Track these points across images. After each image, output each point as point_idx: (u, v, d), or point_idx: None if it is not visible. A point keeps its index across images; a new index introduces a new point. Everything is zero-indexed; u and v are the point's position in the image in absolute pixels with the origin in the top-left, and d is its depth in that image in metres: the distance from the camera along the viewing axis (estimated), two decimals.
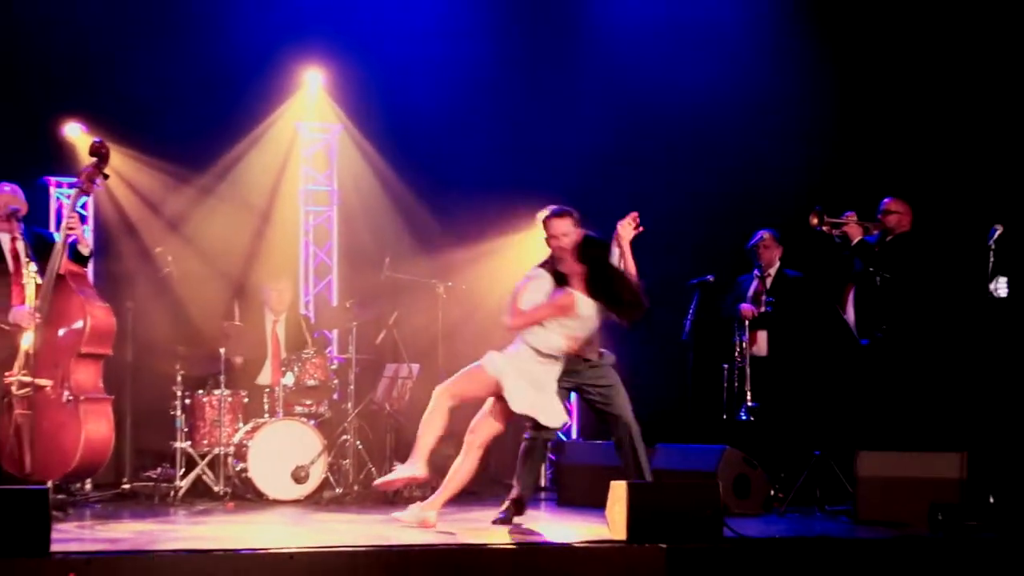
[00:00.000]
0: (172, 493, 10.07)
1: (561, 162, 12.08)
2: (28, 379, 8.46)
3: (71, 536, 7.59)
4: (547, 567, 6.88)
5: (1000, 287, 8.82)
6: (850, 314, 9.97)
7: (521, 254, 12.12)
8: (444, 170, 12.15)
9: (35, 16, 11.11)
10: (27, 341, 8.54)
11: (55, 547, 6.48)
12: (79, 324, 8.84)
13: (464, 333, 11.76)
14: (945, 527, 8.14)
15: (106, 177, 9.10)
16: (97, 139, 9.10)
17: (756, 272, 10.54)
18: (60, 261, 8.72)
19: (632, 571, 6.92)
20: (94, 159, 8.89)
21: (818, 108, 11.86)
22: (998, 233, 8.85)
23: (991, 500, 8.70)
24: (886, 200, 9.91)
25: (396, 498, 10.19)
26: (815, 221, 9.74)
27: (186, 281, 11.08)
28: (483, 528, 8.28)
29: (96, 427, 8.85)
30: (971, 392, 9.48)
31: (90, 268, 10.66)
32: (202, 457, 10.27)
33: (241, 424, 10.36)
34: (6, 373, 8.70)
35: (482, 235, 12.07)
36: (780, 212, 10.95)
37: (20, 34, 11.09)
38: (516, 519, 8.45)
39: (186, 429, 10.34)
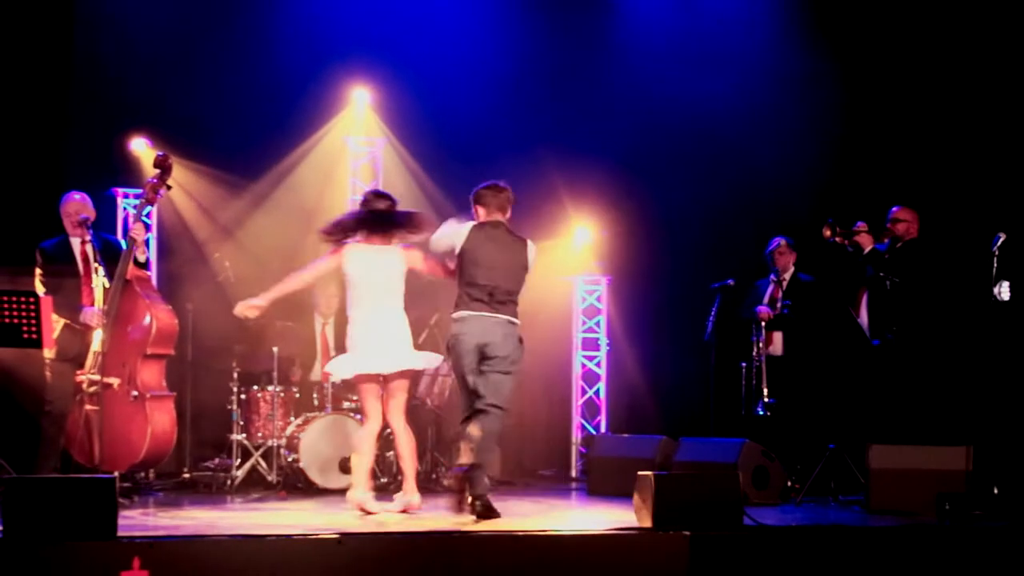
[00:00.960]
0: (229, 482, 10.11)
1: (587, 172, 12.05)
2: (97, 377, 8.52)
3: (136, 522, 7.65)
4: (577, 553, 6.88)
5: (1003, 291, 8.78)
6: (863, 316, 9.93)
7: (548, 257, 12.12)
8: (477, 180, 12.11)
9: (108, 40, 11.17)
10: (97, 341, 8.62)
11: (121, 531, 6.52)
12: (145, 326, 8.91)
13: None
14: (952, 516, 8.11)
15: (169, 188, 9.14)
16: (160, 153, 9.14)
17: (772, 277, 10.49)
18: (127, 266, 8.76)
19: (658, 557, 6.91)
20: (158, 171, 8.95)
21: (829, 122, 11.80)
22: (1001, 240, 8.82)
23: (995, 491, 8.64)
24: (894, 209, 9.88)
25: (436, 486, 10.22)
26: (828, 233, 9.69)
27: (242, 285, 11.06)
28: (518, 516, 8.28)
29: (160, 422, 8.93)
30: (976, 389, 9.42)
31: (153, 272, 10.75)
32: (256, 448, 10.32)
33: (293, 418, 10.39)
34: (78, 371, 8.77)
35: None
36: (795, 220, 10.90)
37: (94, 56, 11.14)
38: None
39: (242, 422, 10.39)
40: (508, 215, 8.39)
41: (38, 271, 8.97)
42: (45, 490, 6.43)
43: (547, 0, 12.34)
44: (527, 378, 12.27)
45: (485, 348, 8.02)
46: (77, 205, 9.07)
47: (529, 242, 8.34)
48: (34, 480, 6.76)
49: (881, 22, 11.78)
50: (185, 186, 11.37)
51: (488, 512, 7.77)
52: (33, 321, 8.28)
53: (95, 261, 8.85)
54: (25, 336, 8.32)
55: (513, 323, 8.18)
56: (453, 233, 8.26)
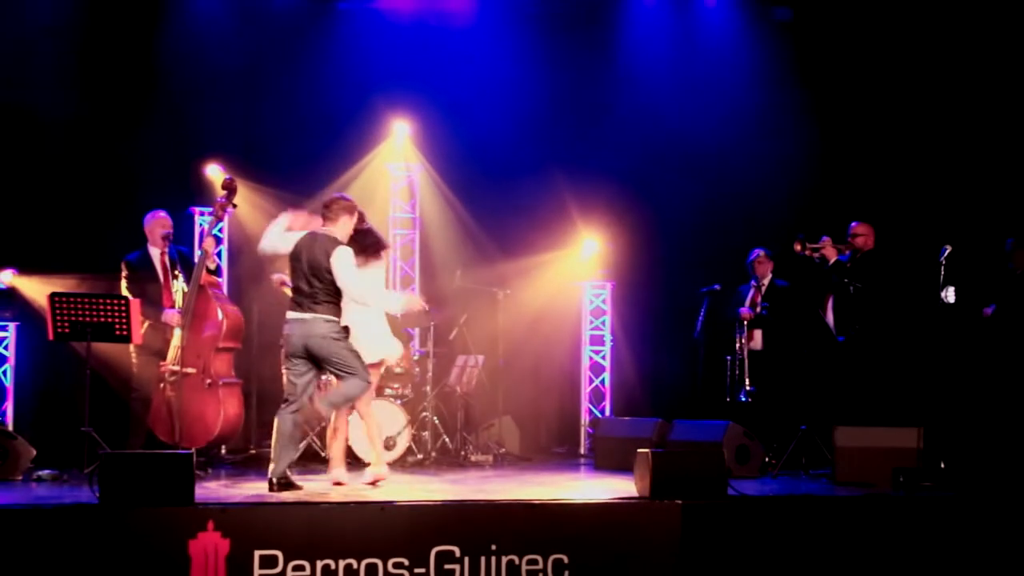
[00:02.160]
0: None
1: (594, 191, 12.03)
2: (177, 368, 8.60)
3: (210, 490, 7.69)
4: (585, 519, 6.91)
5: (949, 295, 8.79)
6: (830, 317, 9.94)
7: (562, 267, 12.21)
8: (501, 200, 12.17)
9: (187, 75, 11.23)
10: (177, 337, 8.70)
11: (198, 499, 6.57)
12: (217, 324, 8.94)
13: (518, 330, 11.82)
14: (906, 487, 8.11)
15: (235, 206, 9.16)
16: (228, 176, 9.18)
17: (753, 282, 10.51)
18: (201, 274, 8.84)
19: (655, 522, 6.93)
20: (224, 192, 8.97)
21: (802, 149, 11.79)
22: (947, 251, 8.84)
23: (942, 465, 8.67)
24: (853, 224, 9.93)
25: (465, 462, 10.26)
26: (798, 247, 9.73)
27: None
28: (535, 487, 8.31)
29: (231, 405, 8.97)
30: (926, 378, 9.40)
31: (224, 278, 10.81)
32: (312, 429, 10.38)
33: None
34: (160, 363, 8.85)
35: (532, 251, 12.09)
36: (773, 234, 10.91)
37: (174, 90, 11.20)
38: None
39: None
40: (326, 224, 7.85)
41: (123, 278, 9.07)
42: (134, 463, 6.50)
43: (560, 38, 12.25)
44: (543, 369, 12.38)
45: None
46: (161, 221, 9.15)
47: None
48: (125, 455, 6.80)
49: (845, 72, 11.80)
50: (251, 204, 11.42)
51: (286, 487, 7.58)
52: (124, 320, 8.39)
53: (174, 269, 8.96)
54: (117, 333, 8.44)
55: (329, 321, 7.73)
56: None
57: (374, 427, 8.16)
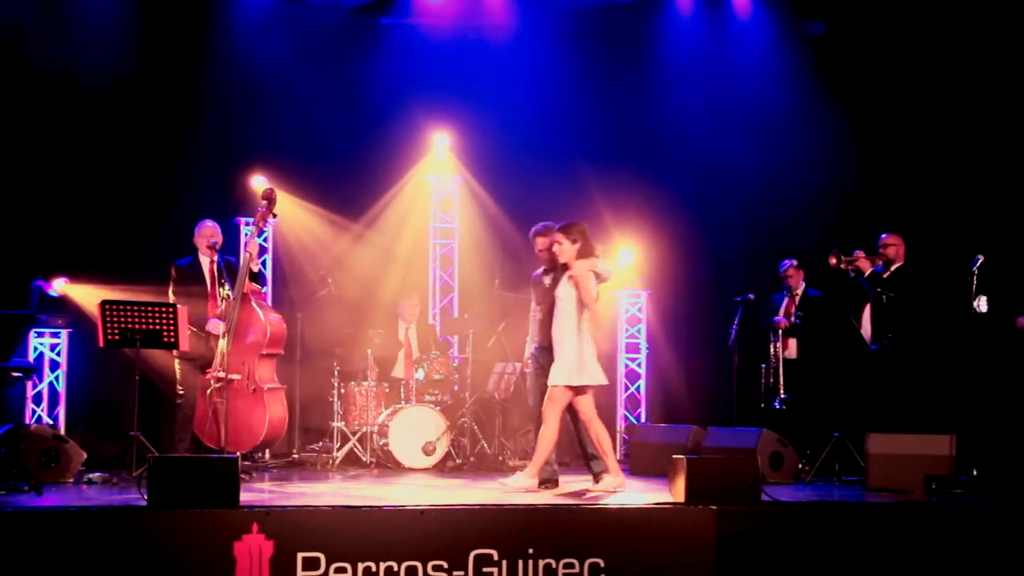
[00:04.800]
0: (330, 462, 10.18)
1: (629, 202, 12.02)
2: (223, 374, 8.63)
3: (254, 494, 7.72)
4: (621, 524, 6.88)
5: (982, 304, 8.74)
6: (866, 327, 9.86)
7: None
8: (539, 210, 12.15)
9: (235, 91, 11.34)
10: (222, 345, 8.71)
11: (243, 501, 6.60)
12: (260, 331, 8.97)
13: None
14: (938, 494, 8.07)
15: (275, 216, 9.15)
16: (268, 187, 9.19)
17: (786, 292, 10.49)
18: (244, 281, 8.82)
19: (689, 527, 6.90)
20: (264, 203, 8.94)
21: (835, 161, 11.73)
22: (980, 261, 8.79)
23: (975, 473, 8.60)
24: (883, 236, 9.87)
25: (503, 467, 10.26)
26: (833, 261, 9.68)
27: (342, 297, 11.20)
28: (573, 492, 8.28)
29: (276, 409, 8.98)
30: (959, 387, 9.35)
31: (268, 289, 10.87)
32: (353, 434, 10.36)
33: (383, 409, 10.45)
34: (207, 370, 8.88)
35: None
36: (806, 243, 10.88)
37: (223, 104, 11.30)
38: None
39: (341, 412, 10.41)
40: None
41: (171, 282, 9.13)
42: (182, 467, 6.52)
43: (596, 52, 12.26)
44: None
45: None
46: (210, 230, 9.21)
47: None
48: (173, 459, 6.83)
49: (878, 76, 11.70)
50: (296, 217, 11.48)
51: None
52: (172, 327, 8.44)
53: (221, 278, 9.00)
54: (165, 339, 8.49)
55: None
56: None
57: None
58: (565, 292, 8.04)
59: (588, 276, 7.97)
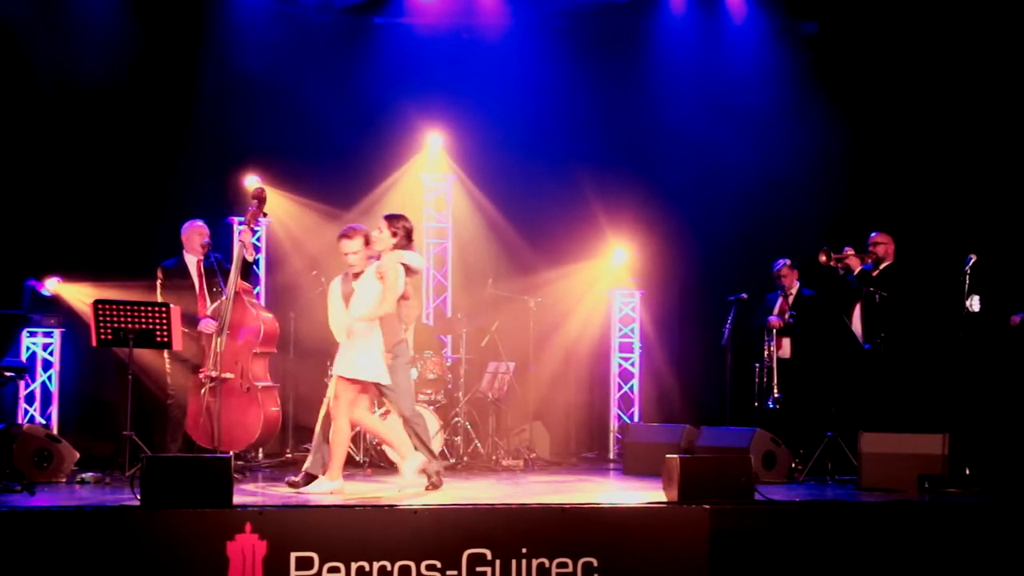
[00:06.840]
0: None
1: (623, 202, 12.03)
2: (216, 373, 8.61)
3: (247, 493, 7.72)
4: (615, 523, 6.88)
5: (974, 303, 8.75)
6: (856, 325, 9.88)
7: (592, 275, 12.19)
8: (533, 210, 12.19)
9: (228, 90, 11.32)
10: (215, 343, 8.66)
11: (236, 501, 6.59)
12: (253, 329, 8.97)
13: (548, 337, 11.82)
14: (931, 493, 8.07)
15: (266, 216, 9.05)
16: (258, 187, 9.12)
17: (780, 291, 10.48)
18: (236, 278, 8.74)
19: (682, 526, 6.90)
20: (255, 202, 8.83)
21: (827, 159, 11.73)
22: (972, 260, 8.80)
23: (967, 472, 8.61)
24: (873, 234, 9.91)
25: (496, 466, 10.25)
26: (823, 258, 9.69)
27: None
28: (566, 492, 8.29)
29: (270, 407, 9.01)
30: (952, 386, 9.35)
31: (262, 287, 10.85)
32: None
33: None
34: (200, 369, 8.86)
35: (563, 260, 12.09)
36: (799, 243, 10.86)
37: (216, 103, 11.28)
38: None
39: None
40: None
41: (159, 285, 9.10)
42: (174, 466, 6.52)
43: (590, 52, 12.25)
44: (574, 375, 12.36)
45: None
46: (201, 229, 9.19)
47: None
48: (165, 458, 6.83)
49: (869, 75, 11.69)
50: (288, 216, 11.46)
51: None
52: (165, 327, 8.42)
53: (212, 277, 8.98)
54: (158, 339, 8.47)
55: None
56: None
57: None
58: (368, 283, 7.89)
59: (395, 268, 7.84)
